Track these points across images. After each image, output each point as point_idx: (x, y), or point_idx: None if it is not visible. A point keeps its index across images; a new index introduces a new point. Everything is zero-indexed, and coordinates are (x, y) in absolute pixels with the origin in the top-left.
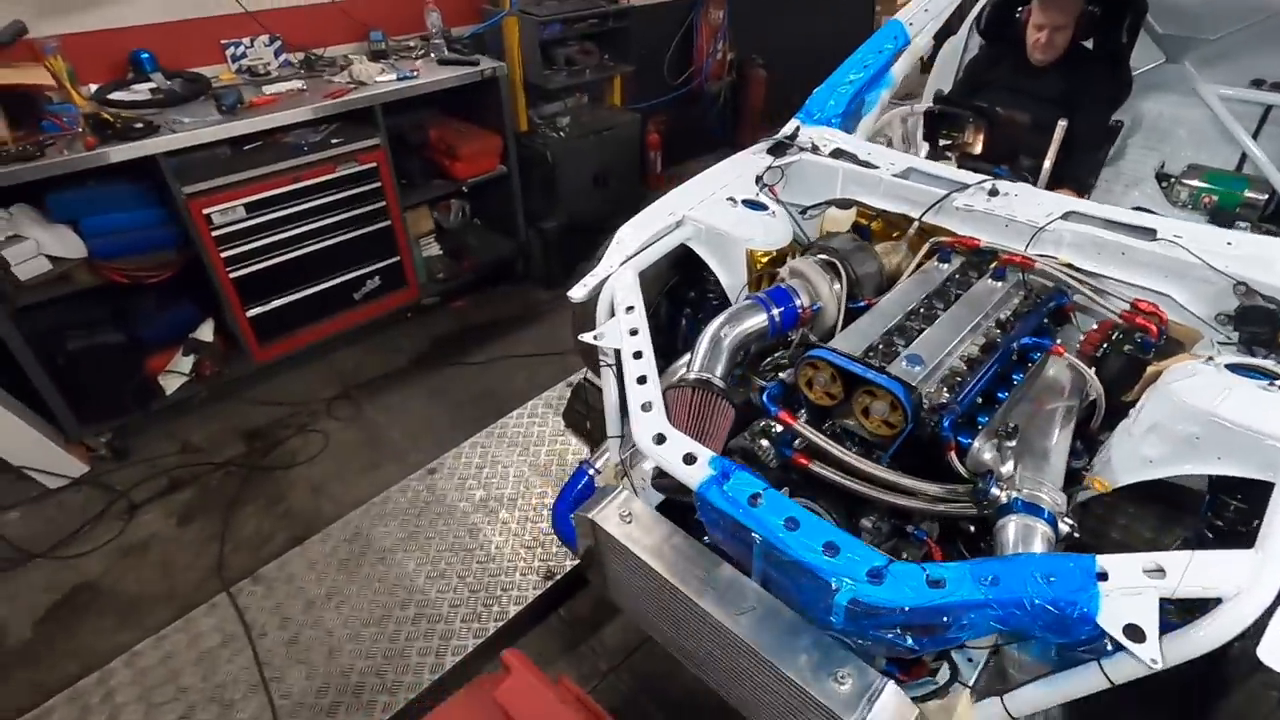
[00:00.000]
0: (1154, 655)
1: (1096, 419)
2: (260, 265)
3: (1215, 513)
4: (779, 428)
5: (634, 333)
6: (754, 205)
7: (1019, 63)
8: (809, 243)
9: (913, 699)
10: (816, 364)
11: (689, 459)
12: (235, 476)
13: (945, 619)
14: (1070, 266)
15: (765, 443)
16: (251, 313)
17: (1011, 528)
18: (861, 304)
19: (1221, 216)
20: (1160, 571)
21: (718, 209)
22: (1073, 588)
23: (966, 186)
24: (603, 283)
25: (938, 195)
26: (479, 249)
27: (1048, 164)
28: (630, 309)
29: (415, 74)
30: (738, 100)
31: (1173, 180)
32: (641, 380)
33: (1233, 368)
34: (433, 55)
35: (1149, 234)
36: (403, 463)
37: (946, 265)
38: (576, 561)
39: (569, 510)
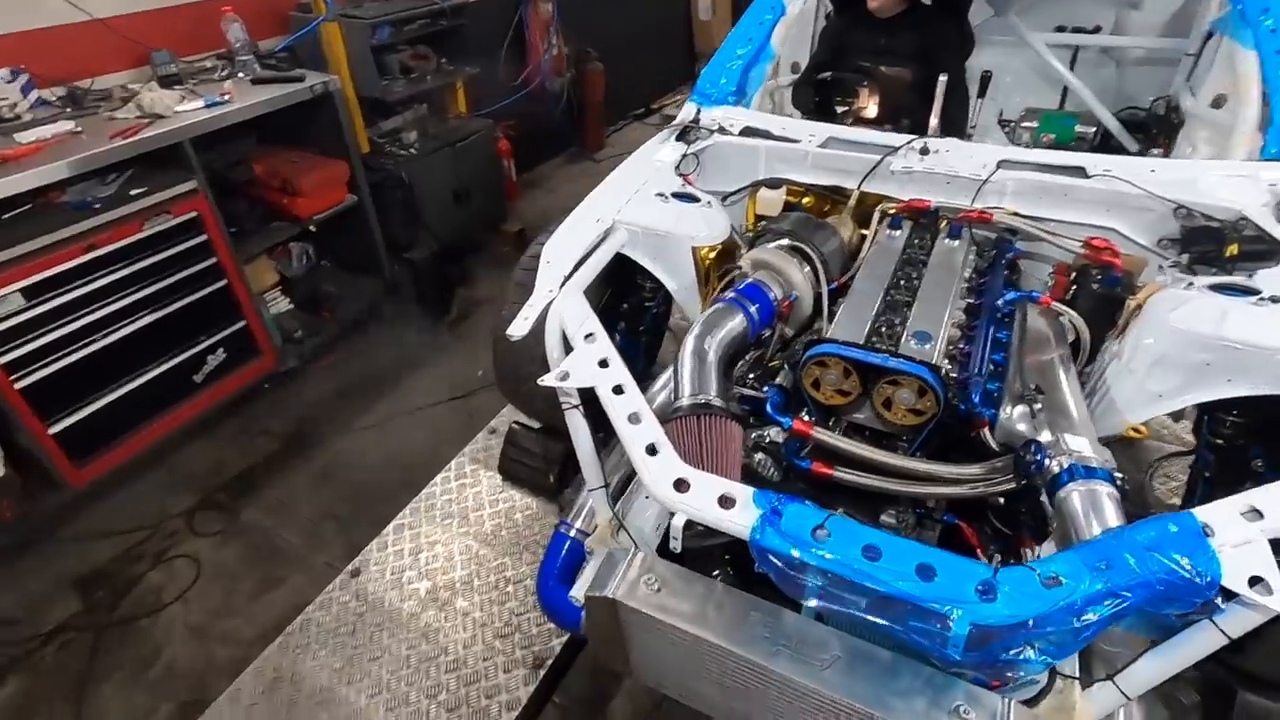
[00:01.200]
0: None
1: (1080, 361)
2: (56, 365)
3: (1214, 431)
4: (776, 438)
5: (604, 364)
6: (685, 198)
7: (871, 24)
8: (758, 229)
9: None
10: (826, 361)
11: (725, 501)
12: (78, 644)
13: (1075, 621)
14: (1016, 214)
15: (761, 456)
16: (56, 428)
17: (1076, 497)
18: (833, 286)
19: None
20: (1257, 513)
21: (649, 207)
22: (1187, 552)
23: (896, 149)
24: (545, 311)
25: (869, 162)
26: (338, 294)
27: (935, 120)
28: (590, 336)
29: (227, 99)
30: (580, 96)
31: (1013, 125)
32: (634, 419)
33: (1214, 289)
34: (242, 75)
35: (1080, 172)
36: (310, 571)
37: (899, 232)
38: (565, 638)
39: (559, 585)
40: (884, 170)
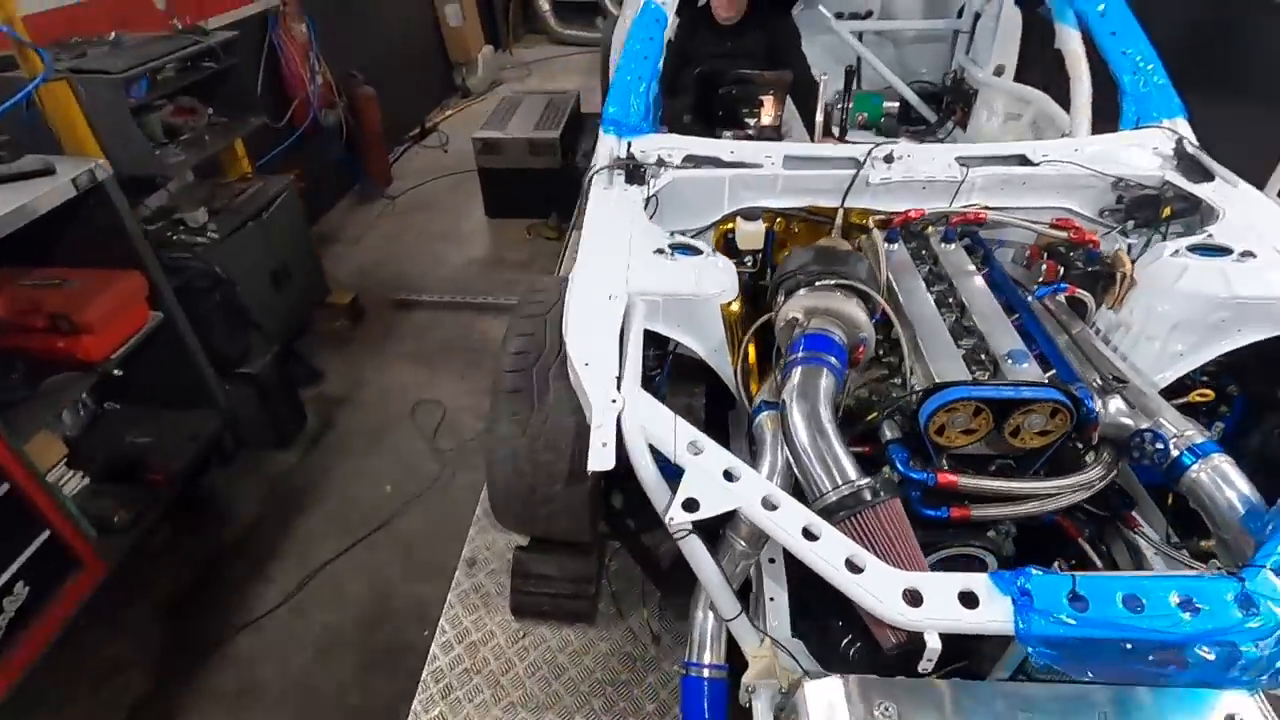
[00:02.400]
0: None
1: None
2: None
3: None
4: (876, 485)
5: (730, 477)
6: (685, 250)
7: (714, 28)
8: (789, 268)
9: None
10: (955, 406)
11: (968, 600)
12: None
13: None
14: (988, 208)
15: (869, 497)
16: None
17: (1204, 476)
18: (879, 317)
19: (877, 129)
20: None
21: (660, 270)
22: None
23: (861, 162)
24: (619, 426)
25: (840, 178)
26: (158, 445)
27: (820, 118)
28: (696, 446)
29: None
30: (356, 126)
31: (828, 107)
32: (811, 534)
33: (1192, 251)
34: None
35: (1023, 159)
36: None
37: (897, 245)
38: None
39: None
40: (859, 184)
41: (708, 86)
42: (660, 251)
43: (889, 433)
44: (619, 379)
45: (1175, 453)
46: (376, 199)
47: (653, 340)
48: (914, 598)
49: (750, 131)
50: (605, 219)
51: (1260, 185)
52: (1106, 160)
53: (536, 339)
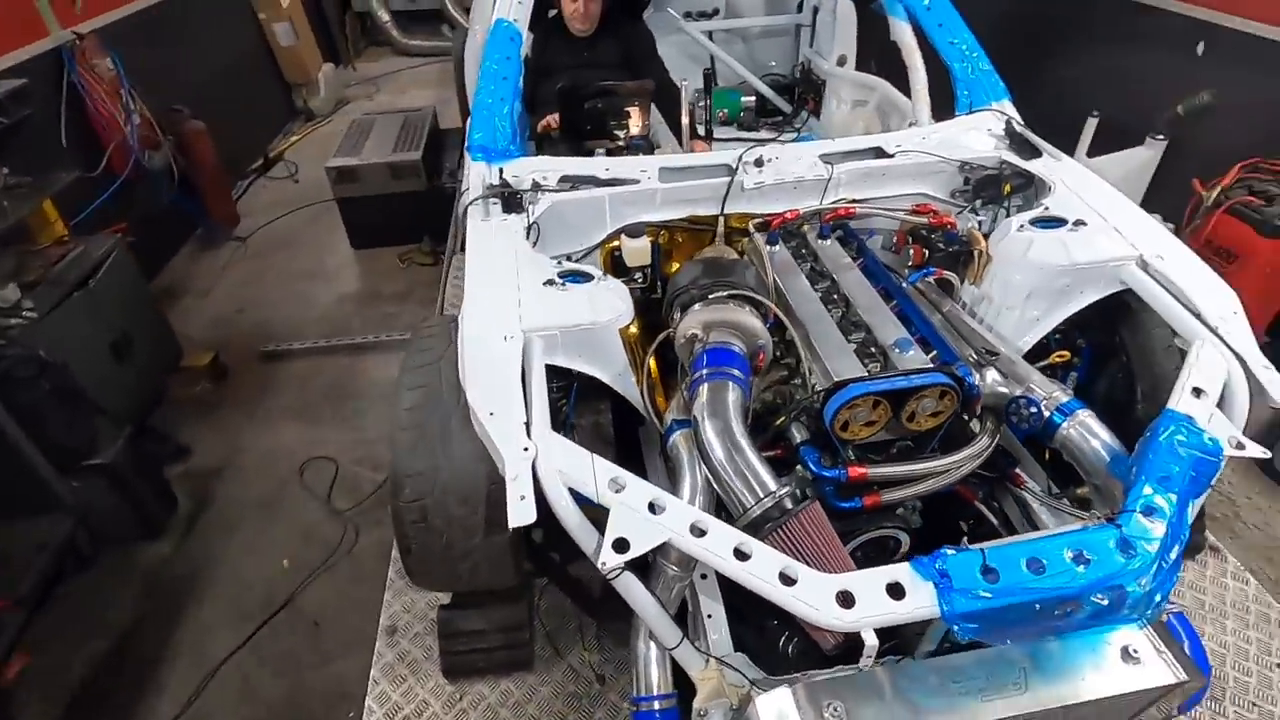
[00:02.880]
0: None
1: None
2: None
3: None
4: (794, 491)
5: (655, 509)
6: (576, 277)
7: (569, 40)
8: (681, 284)
9: None
10: (856, 403)
11: (895, 592)
12: None
13: (1183, 535)
14: (854, 201)
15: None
16: None
17: (1073, 432)
18: (772, 321)
19: (738, 124)
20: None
21: (551, 302)
22: (1196, 442)
23: (734, 168)
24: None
25: (715, 187)
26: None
27: (686, 120)
28: (617, 483)
29: None
30: (189, 165)
31: (692, 106)
32: (743, 554)
33: (1035, 224)
34: None
35: (879, 152)
36: None
37: (778, 246)
38: None
39: None
40: (734, 190)
41: (571, 100)
42: (550, 283)
43: (797, 435)
44: (527, 424)
45: (1046, 414)
46: (224, 242)
47: (554, 371)
48: (846, 599)
49: (621, 143)
50: (488, 253)
51: (1070, 153)
52: (951, 145)
53: (431, 389)
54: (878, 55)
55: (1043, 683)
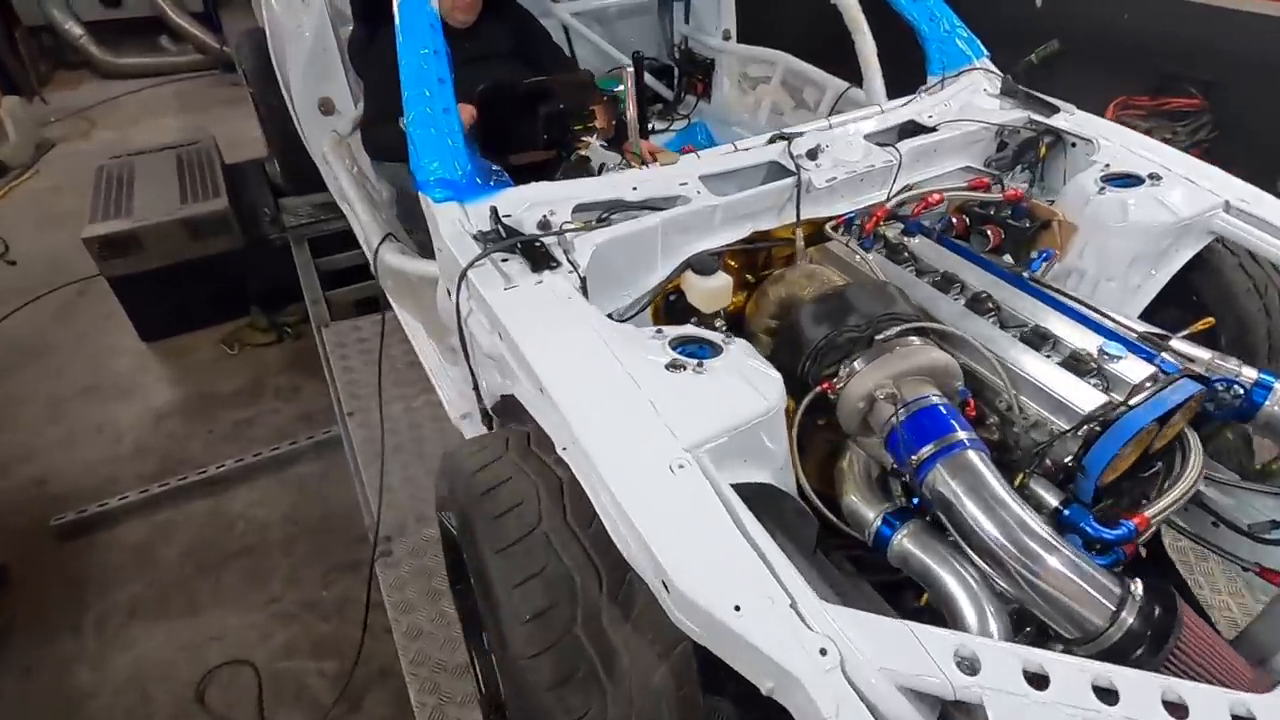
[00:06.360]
0: None
1: None
2: None
3: None
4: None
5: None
6: (699, 348)
7: (449, 35)
8: (826, 332)
9: None
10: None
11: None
12: None
13: None
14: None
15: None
16: None
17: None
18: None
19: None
20: None
21: (693, 397)
22: None
23: (793, 166)
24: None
25: (777, 192)
26: None
27: (632, 111)
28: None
29: None
30: None
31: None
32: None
33: (1113, 185)
34: None
35: (916, 125)
36: None
37: (870, 254)
38: None
39: None
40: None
41: (497, 104)
42: (673, 367)
43: (1049, 496)
44: (793, 607)
45: (1244, 392)
46: None
47: None
48: None
49: (602, 144)
50: (560, 343)
51: None
52: (972, 110)
53: (553, 576)
54: (775, 26)
55: None
